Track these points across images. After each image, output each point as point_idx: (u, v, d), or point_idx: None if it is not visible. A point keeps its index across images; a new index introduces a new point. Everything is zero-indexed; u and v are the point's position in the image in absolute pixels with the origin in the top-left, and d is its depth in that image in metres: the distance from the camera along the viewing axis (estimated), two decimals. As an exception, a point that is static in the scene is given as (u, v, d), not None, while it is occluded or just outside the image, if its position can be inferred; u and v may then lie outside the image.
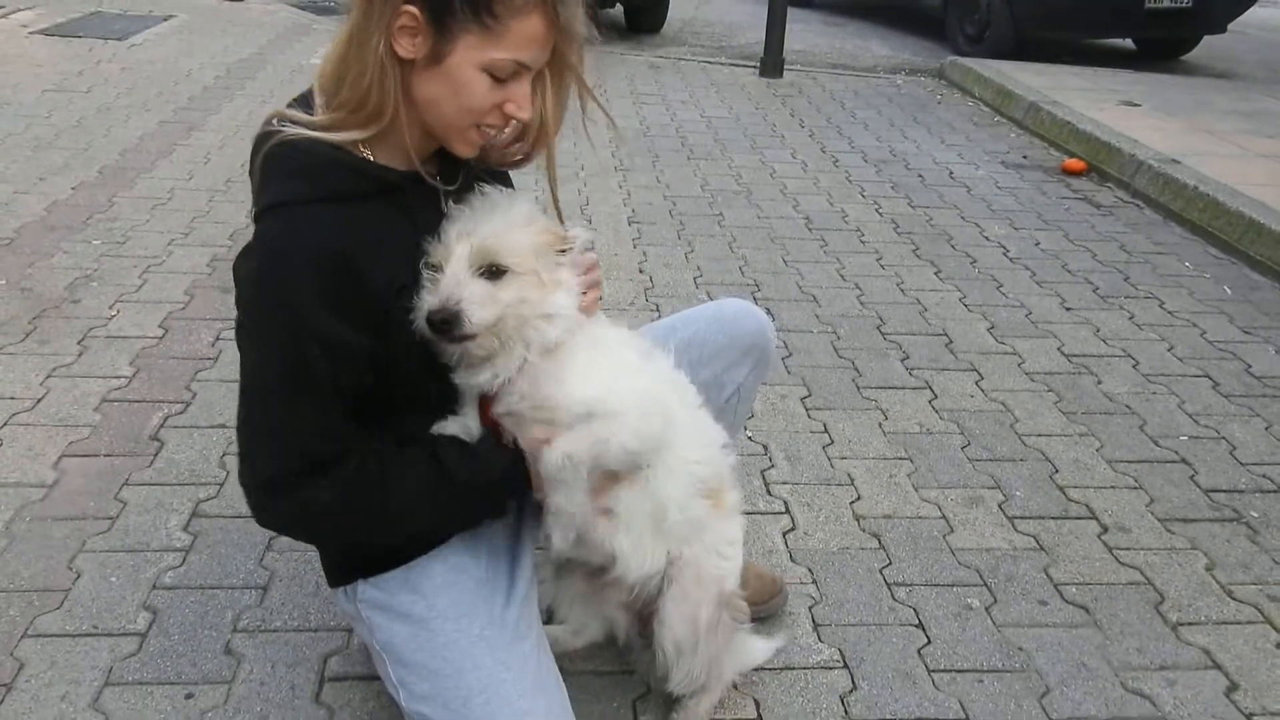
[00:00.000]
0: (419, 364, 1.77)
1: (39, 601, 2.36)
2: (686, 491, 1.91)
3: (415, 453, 1.78)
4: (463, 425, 1.83)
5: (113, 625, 2.30)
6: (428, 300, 1.70)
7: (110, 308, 3.81)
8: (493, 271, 1.72)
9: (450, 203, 1.83)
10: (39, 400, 3.18)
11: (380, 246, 1.70)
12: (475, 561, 1.90)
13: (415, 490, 1.76)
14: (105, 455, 2.92)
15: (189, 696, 2.13)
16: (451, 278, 1.69)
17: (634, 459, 1.81)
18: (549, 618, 2.14)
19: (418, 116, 1.71)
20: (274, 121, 1.70)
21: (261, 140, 1.70)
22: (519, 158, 1.89)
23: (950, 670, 2.33)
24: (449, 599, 1.84)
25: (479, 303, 1.69)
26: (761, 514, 2.84)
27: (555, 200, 1.94)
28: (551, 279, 1.77)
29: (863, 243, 4.96)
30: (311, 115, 1.70)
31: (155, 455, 2.94)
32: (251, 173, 1.76)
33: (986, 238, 5.11)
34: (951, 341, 3.96)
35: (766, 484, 2.98)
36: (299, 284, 1.61)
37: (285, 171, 1.67)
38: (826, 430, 3.29)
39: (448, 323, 1.68)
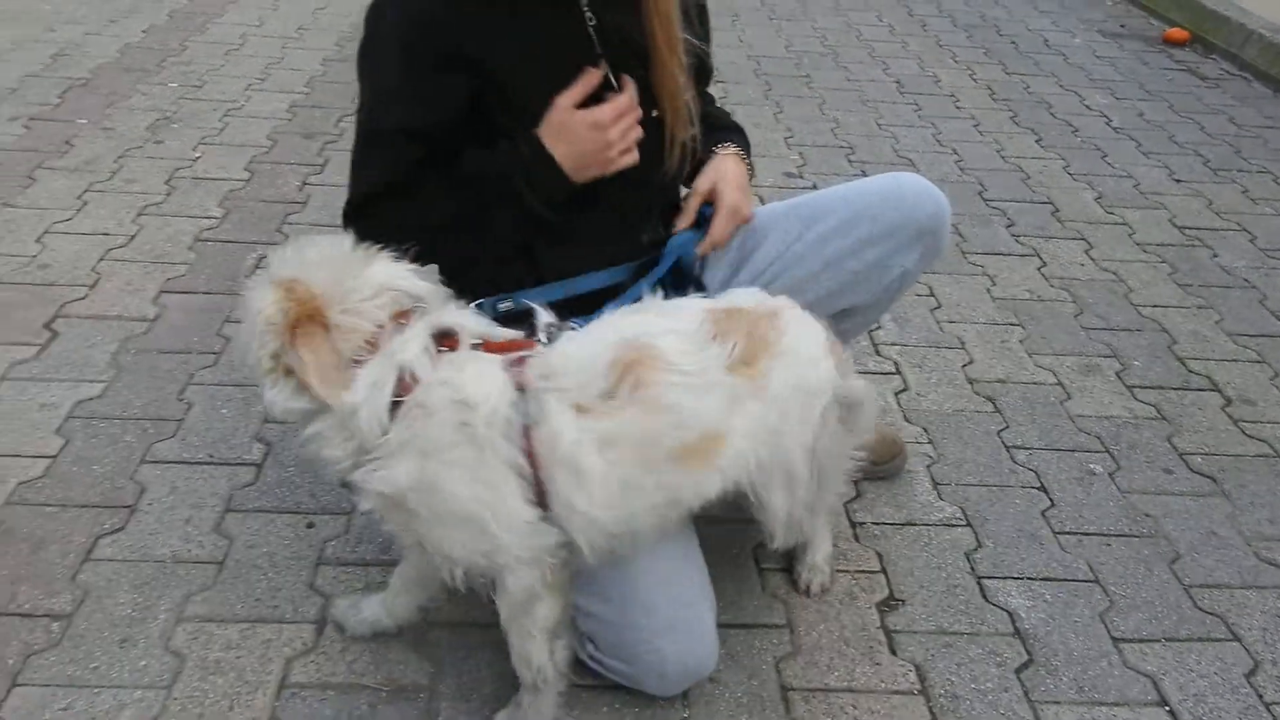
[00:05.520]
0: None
1: (153, 430, 2.35)
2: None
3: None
4: None
5: (228, 455, 2.29)
6: None
7: (194, 149, 3.74)
8: None
9: (590, 20, 1.75)
10: (132, 237, 3.13)
11: (486, 29, 1.69)
12: None
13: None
14: (204, 293, 2.88)
15: (310, 525, 2.12)
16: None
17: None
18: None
19: None
20: None
21: None
22: None
23: (1076, 533, 2.26)
24: None
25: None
26: (872, 374, 2.76)
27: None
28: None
29: (958, 108, 4.74)
30: None
31: (253, 295, 2.89)
32: None
33: (1087, 107, 4.87)
34: (1058, 210, 3.79)
35: (875, 345, 2.89)
36: (388, 34, 1.72)
37: None
38: (933, 294, 3.17)
39: None
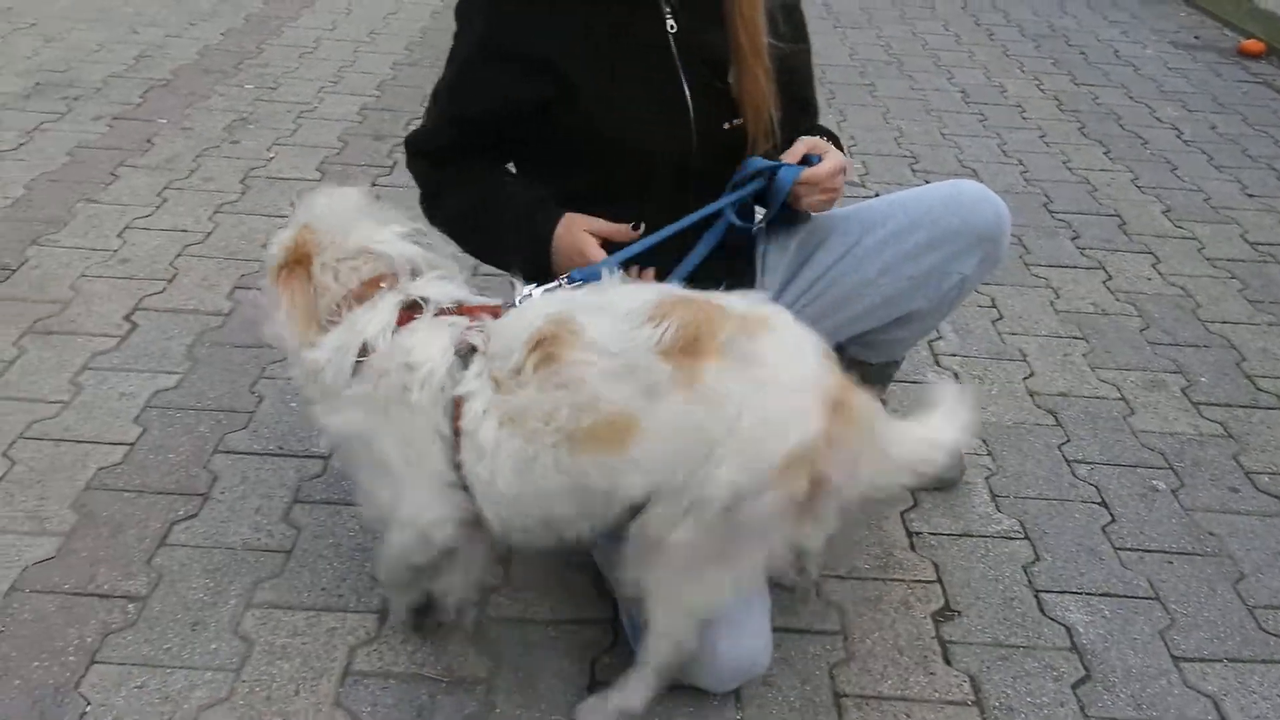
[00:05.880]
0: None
1: (226, 421, 2.43)
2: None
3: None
4: None
5: (297, 447, 2.36)
6: None
7: (268, 150, 3.85)
8: None
9: (671, 28, 1.79)
10: (209, 234, 3.24)
11: (556, 28, 1.74)
12: None
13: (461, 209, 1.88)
14: (276, 289, 2.96)
15: (375, 519, 2.18)
16: None
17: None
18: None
19: None
20: None
21: None
22: None
23: (1138, 550, 2.24)
24: None
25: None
26: (930, 385, 2.75)
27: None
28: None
29: (1024, 119, 4.70)
30: None
31: (323, 292, 2.97)
32: None
33: (1158, 119, 4.79)
34: (1125, 223, 3.74)
35: (935, 355, 2.88)
36: (473, 17, 1.80)
37: None
38: (995, 305, 3.15)
39: None
